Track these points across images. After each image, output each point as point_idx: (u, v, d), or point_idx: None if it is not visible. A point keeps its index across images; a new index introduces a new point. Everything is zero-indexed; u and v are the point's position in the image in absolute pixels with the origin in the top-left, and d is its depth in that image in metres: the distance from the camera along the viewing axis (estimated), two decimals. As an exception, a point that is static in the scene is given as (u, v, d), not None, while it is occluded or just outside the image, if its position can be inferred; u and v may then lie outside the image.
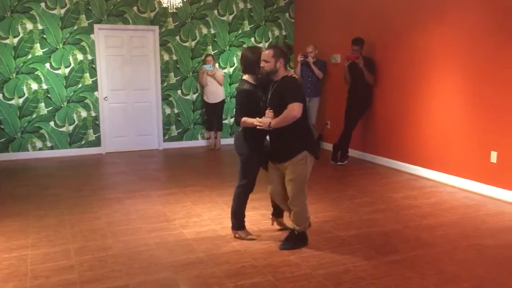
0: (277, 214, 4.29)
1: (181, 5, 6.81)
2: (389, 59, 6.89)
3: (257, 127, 3.72)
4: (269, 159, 3.95)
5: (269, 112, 3.71)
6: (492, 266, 3.56)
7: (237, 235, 4.13)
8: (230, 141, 9.08)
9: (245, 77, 3.95)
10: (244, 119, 3.82)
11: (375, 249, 3.87)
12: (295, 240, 3.93)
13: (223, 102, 8.64)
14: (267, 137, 3.96)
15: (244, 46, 3.95)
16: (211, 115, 8.64)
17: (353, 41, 7.01)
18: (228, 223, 4.42)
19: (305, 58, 7.91)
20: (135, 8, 8.17)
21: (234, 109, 4.03)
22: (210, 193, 5.60)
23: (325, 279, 3.33)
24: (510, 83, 5.11)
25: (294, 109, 3.61)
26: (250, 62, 3.87)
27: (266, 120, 3.69)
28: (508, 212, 4.81)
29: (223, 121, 9.02)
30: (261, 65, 3.73)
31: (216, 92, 8.47)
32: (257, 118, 3.76)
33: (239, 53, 8.93)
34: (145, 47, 8.41)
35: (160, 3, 6.90)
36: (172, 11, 6.83)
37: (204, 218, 4.70)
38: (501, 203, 5.12)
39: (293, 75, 3.85)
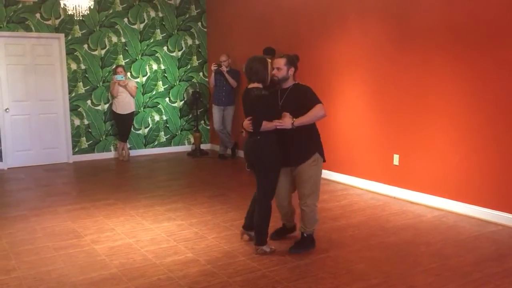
0: (247, 228, 4.27)
1: (88, 12, 6.58)
2: (298, 68, 7.12)
3: (277, 127, 3.77)
4: (282, 164, 3.91)
5: (286, 114, 3.80)
6: (396, 261, 3.80)
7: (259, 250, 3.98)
8: (145, 152, 8.92)
9: (255, 84, 3.89)
10: (264, 123, 3.78)
11: (290, 253, 3.96)
12: (304, 243, 4.01)
13: (133, 113, 8.44)
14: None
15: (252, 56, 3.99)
16: (121, 126, 8.41)
17: (264, 51, 7.18)
18: (142, 236, 4.33)
19: (219, 67, 7.98)
20: (38, 15, 7.75)
21: (248, 116, 3.85)
22: (123, 206, 5.42)
23: (242, 286, 3.35)
24: (410, 88, 5.50)
25: (322, 109, 3.85)
26: (261, 70, 3.87)
27: (287, 120, 3.77)
28: (410, 211, 5.17)
29: (137, 132, 8.82)
30: (273, 72, 3.88)
31: (126, 103, 8.25)
32: (277, 120, 3.79)
33: (151, 62, 8.82)
34: (50, 55, 8.00)
35: (65, 10, 6.60)
36: (78, 18, 6.57)
37: (117, 232, 4.54)
38: (404, 203, 5.48)
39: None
